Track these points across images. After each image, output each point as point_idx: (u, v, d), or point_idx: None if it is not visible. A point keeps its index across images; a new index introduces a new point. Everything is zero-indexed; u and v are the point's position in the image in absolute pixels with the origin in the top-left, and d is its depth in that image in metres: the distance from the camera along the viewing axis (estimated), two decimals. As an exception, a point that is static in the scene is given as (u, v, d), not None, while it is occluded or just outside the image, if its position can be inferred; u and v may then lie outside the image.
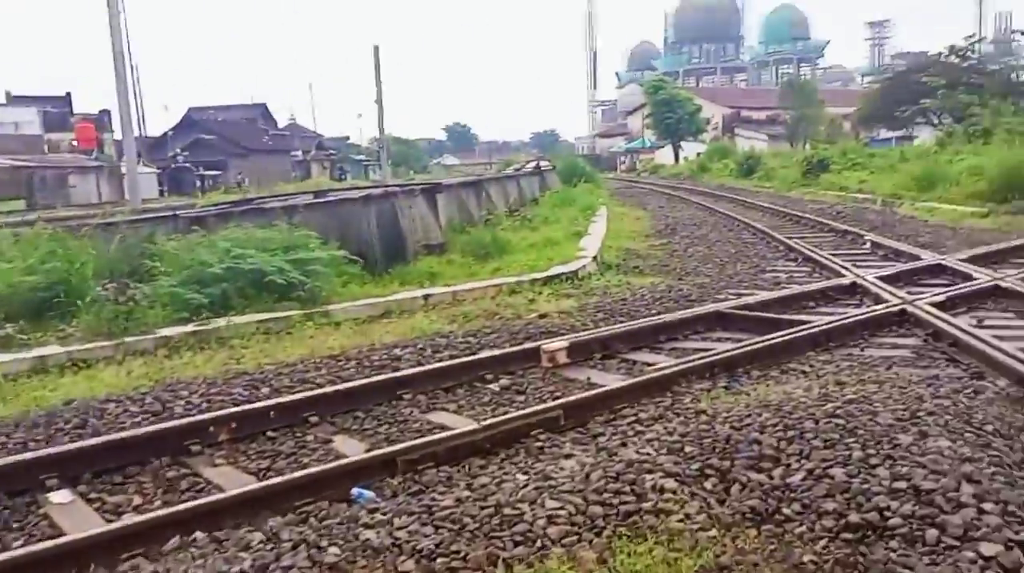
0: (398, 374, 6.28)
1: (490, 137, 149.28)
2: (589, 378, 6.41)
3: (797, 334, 6.95)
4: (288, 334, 8.27)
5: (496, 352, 6.84)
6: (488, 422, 5.06)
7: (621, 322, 8.34)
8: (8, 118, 54.49)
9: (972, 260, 10.70)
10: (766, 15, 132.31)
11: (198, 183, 53.77)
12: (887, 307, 7.98)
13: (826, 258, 11.92)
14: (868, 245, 13.65)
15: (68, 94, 64.72)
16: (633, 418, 5.26)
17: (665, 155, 70.40)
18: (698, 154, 59.89)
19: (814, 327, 7.15)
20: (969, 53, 42.91)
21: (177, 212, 12.03)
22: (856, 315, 7.70)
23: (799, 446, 4.10)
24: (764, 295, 9.14)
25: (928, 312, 7.53)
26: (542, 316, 8.68)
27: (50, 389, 6.46)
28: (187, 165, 55.31)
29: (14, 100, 60.17)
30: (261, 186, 50.87)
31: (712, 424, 4.56)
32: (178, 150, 57.60)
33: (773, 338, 6.82)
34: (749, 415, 4.61)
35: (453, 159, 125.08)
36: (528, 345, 7.10)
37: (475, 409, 5.84)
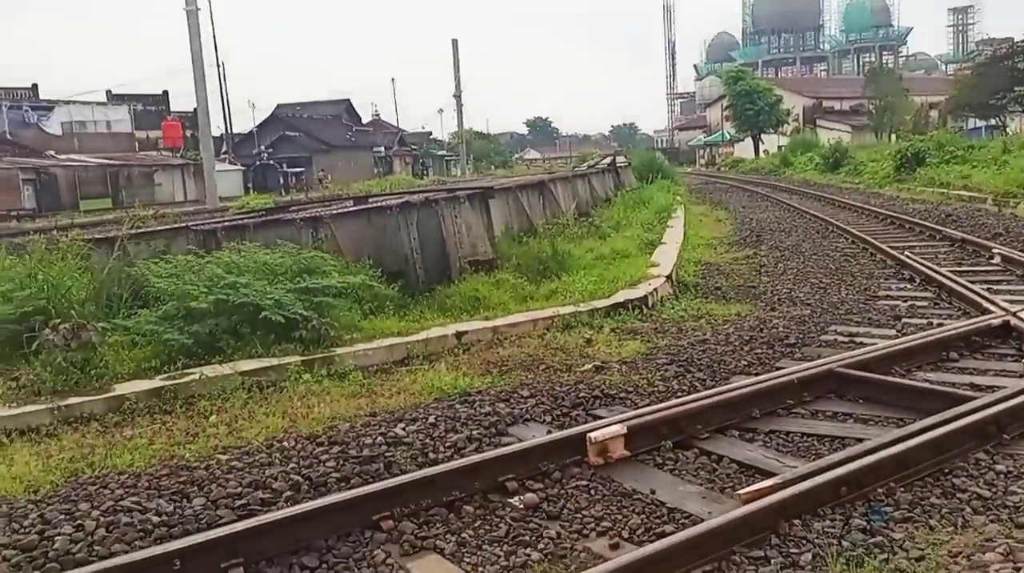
0: (380, 487, 4.22)
1: (571, 130, 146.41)
2: (654, 492, 4.26)
3: (957, 422, 4.63)
4: (277, 392, 6.33)
5: (526, 446, 4.72)
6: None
7: (699, 379, 6.15)
8: (101, 116, 54.83)
9: None
10: (847, 2, 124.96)
11: (281, 180, 53.08)
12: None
13: (950, 279, 9.41)
14: (997, 259, 10.99)
15: (165, 92, 65.15)
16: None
17: (745, 148, 66.73)
18: (779, 147, 56.32)
19: (981, 408, 4.81)
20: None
21: (189, 224, 10.27)
22: (1036, 386, 5.29)
23: None
24: (887, 343, 6.74)
25: None
26: (598, 369, 6.53)
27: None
28: (271, 162, 54.71)
29: (113, 99, 60.74)
30: (343, 182, 49.91)
31: None
32: (263, 147, 57.10)
33: (924, 430, 4.52)
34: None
35: (534, 153, 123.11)
36: (571, 430, 4.96)
37: (482, 551, 3.77)
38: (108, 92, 61.19)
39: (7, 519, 4.19)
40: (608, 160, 28.99)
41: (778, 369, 6.24)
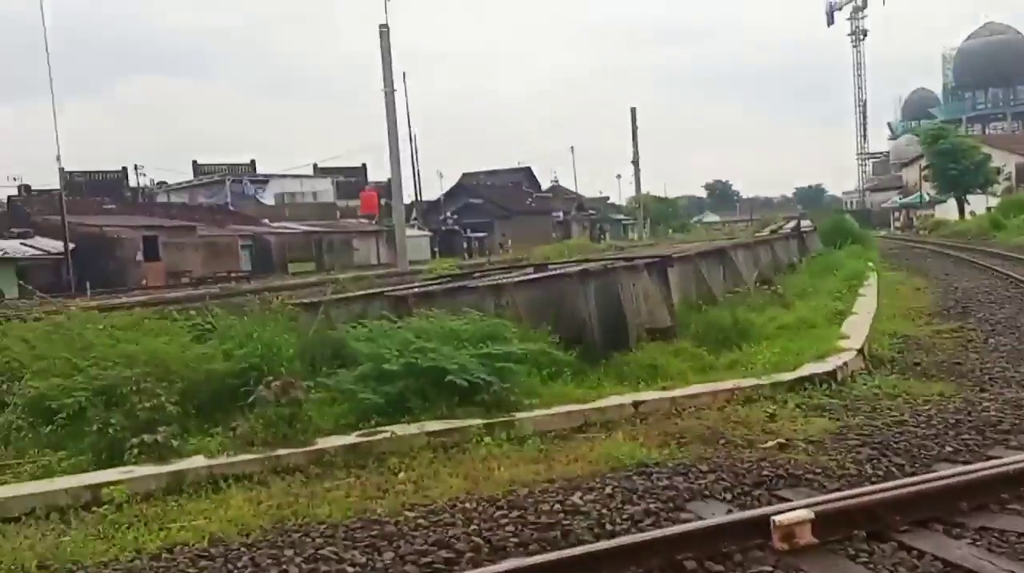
0: (559, 556, 4.27)
1: (752, 193, 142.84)
2: (845, 586, 4.02)
3: None
4: (460, 453, 6.58)
5: (706, 524, 4.62)
6: None
7: (896, 465, 5.77)
8: (308, 188, 59.90)
9: None
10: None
11: (466, 245, 55.43)
12: None
13: None
14: None
15: (363, 165, 70.33)
16: None
17: (947, 210, 62.17)
18: (988, 209, 51.94)
19: None
20: None
21: (384, 290, 10.97)
22: None
23: None
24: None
25: None
26: (782, 446, 6.29)
27: (156, 527, 5.21)
28: (456, 228, 57.38)
29: (319, 172, 66.23)
30: (523, 247, 51.34)
31: None
32: (449, 214, 60.00)
33: None
34: None
35: (713, 216, 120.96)
36: (754, 511, 4.80)
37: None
38: (315, 166, 66.93)
39: (223, 560, 4.63)
40: (792, 224, 28.05)
41: (990, 458, 5.73)
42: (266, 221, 52.18)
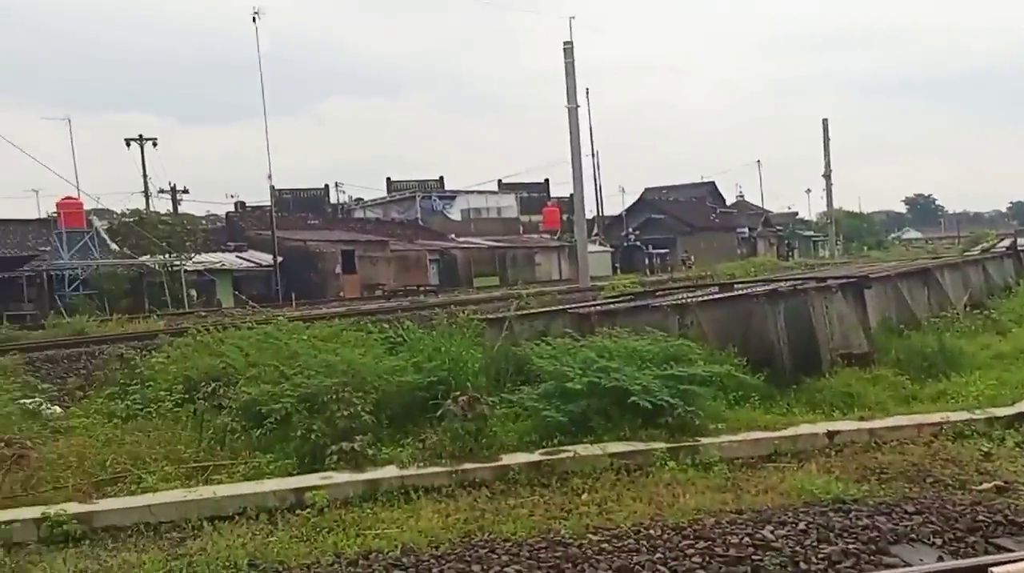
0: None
1: (958, 208, 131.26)
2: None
3: None
4: (643, 476, 6.47)
5: (916, 571, 4.25)
6: None
7: None
8: (493, 203, 61.59)
9: None
10: None
11: (647, 261, 54.78)
12: None
13: None
14: None
15: (546, 180, 71.35)
16: None
17: None
18: None
19: None
20: None
21: (567, 307, 11.03)
22: None
23: None
24: None
25: None
26: (1000, 489, 5.70)
27: (354, 533, 5.50)
28: (638, 244, 56.82)
29: (503, 187, 67.92)
30: (706, 263, 50.09)
31: None
32: (631, 229, 59.55)
33: None
34: None
35: (914, 233, 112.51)
36: (970, 560, 4.37)
37: None
38: (499, 182, 68.70)
39: (415, 570, 4.81)
40: (1007, 242, 25.48)
41: None
42: (453, 236, 54.21)
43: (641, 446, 6.93)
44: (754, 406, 8.21)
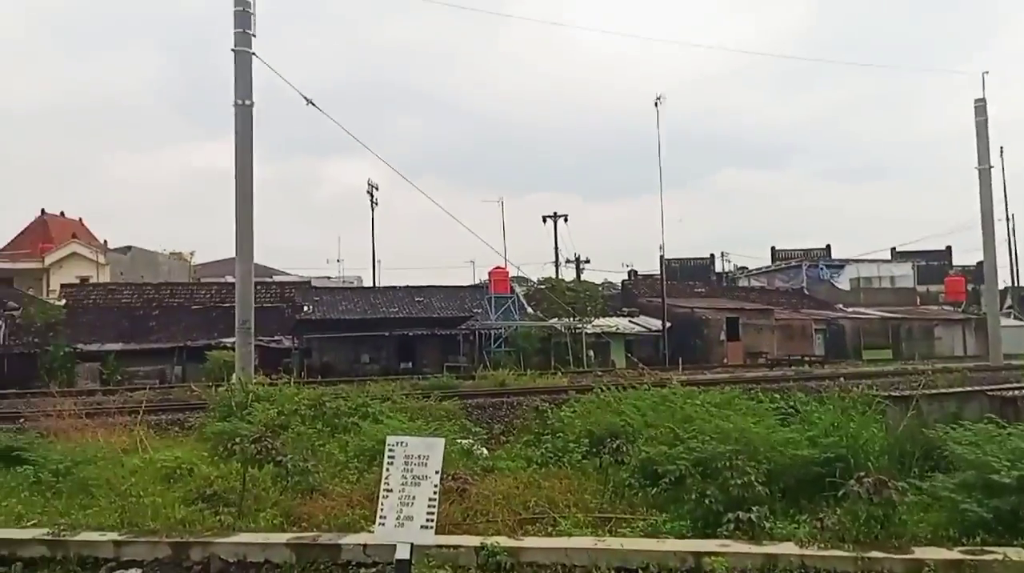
0: None
1: None
2: None
3: None
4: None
5: None
6: None
7: None
8: (885, 272, 56.45)
9: None
10: None
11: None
12: None
13: None
14: None
15: (948, 247, 63.95)
16: None
17: None
18: None
19: None
20: None
21: (985, 389, 9.69)
22: None
23: None
24: None
25: None
26: None
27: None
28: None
29: (897, 256, 62.14)
30: None
31: None
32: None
33: None
34: None
35: None
36: None
37: None
38: (892, 250, 62.99)
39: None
40: None
41: None
42: (840, 306, 50.80)
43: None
44: None
